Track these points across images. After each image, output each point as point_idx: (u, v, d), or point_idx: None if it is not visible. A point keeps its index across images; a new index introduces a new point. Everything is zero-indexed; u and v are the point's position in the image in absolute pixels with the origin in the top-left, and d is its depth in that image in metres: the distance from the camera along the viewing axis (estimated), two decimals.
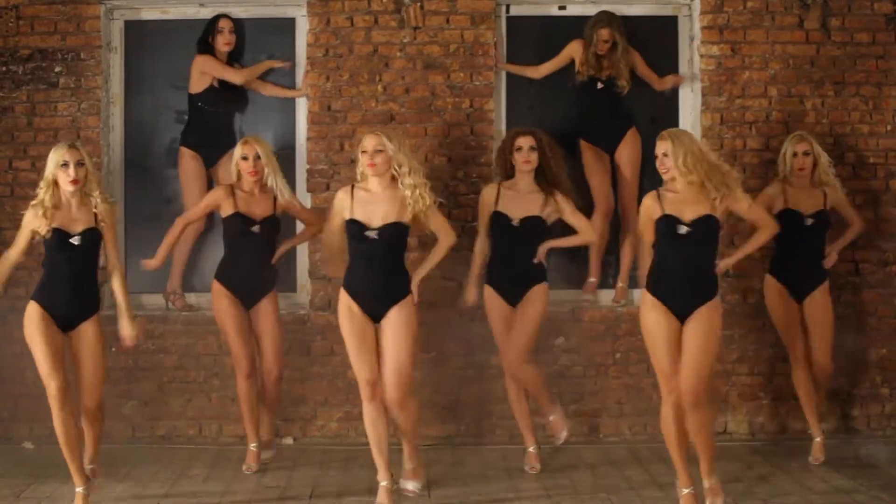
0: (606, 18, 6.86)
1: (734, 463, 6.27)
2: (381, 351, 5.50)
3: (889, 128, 7.02)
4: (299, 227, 6.61)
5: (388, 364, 5.47)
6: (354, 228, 5.49)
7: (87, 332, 5.45)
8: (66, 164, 5.32)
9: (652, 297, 5.30)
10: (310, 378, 6.89)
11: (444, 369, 6.87)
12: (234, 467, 6.23)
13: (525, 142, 6.18)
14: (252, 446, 6.23)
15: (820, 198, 6.42)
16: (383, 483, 5.48)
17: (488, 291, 6.24)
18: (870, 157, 7.03)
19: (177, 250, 6.84)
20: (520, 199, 6.18)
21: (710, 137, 6.90)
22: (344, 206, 5.56)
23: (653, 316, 5.28)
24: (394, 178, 5.55)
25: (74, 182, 5.34)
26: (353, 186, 5.61)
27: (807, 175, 6.44)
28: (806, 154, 6.41)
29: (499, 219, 6.17)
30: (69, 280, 5.39)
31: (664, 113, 7.08)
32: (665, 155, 5.32)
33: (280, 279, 6.42)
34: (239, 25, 7.02)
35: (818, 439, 6.37)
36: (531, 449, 6.28)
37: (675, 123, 7.09)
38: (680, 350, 5.24)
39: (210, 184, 6.95)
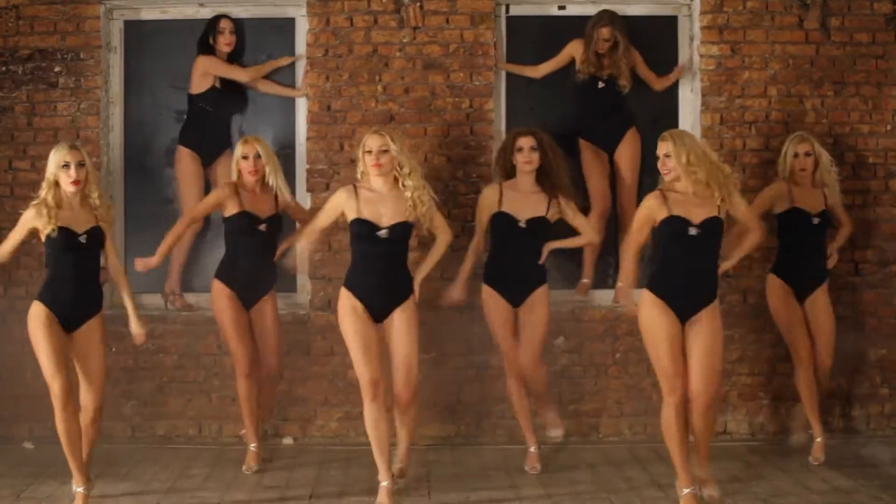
0: (608, 17, 6.86)
1: (734, 463, 6.27)
2: (391, 351, 5.56)
3: (889, 127, 7.02)
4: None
5: (400, 364, 5.55)
6: (363, 228, 5.52)
7: (91, 331, 5.45)
8: (67, 165, 5.34)
9: (654, 295, 5.29)
10: (310, 378, 6.89)
11: (444, 369, 6.87)
12: (234, 467, 6.23)
13: (526, 142, 6.16)
14: (252, 446, 6.24)
15: (821, 198, 6.43)
16: (384, 483, 5.47)
17: (489, 292, 6.22)
18: (869, 156, 7.03)
19: (175, 250, 6.84)
20: (524, 200, 6.16)
21: (709, 137, 6.90)
22: (349, 206, 5.58)
23: (654, 314, 5.27)
24: (396, 178, 5.59)
25: (76, 183, 5.36)
26: (355, 187, 5.63)
27: (808, 175, 6.44)
28: (808, 154, 6.42)
29: (504, 219, 6.15)
30: (74, 279, 5.39)
31: (664, 113, 7.09)
32: (667, 156, 5.33)
33: (279, 278, 6.40)
34: (239, 26, 7.02)
35: (819, 440, 6.35)
36: (532, 449, 6.28)
37: (675, 124, 7.10)
38: (682, 350, 5.26)
39: (207, 184, 6.96)
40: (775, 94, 6.98)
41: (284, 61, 7.04)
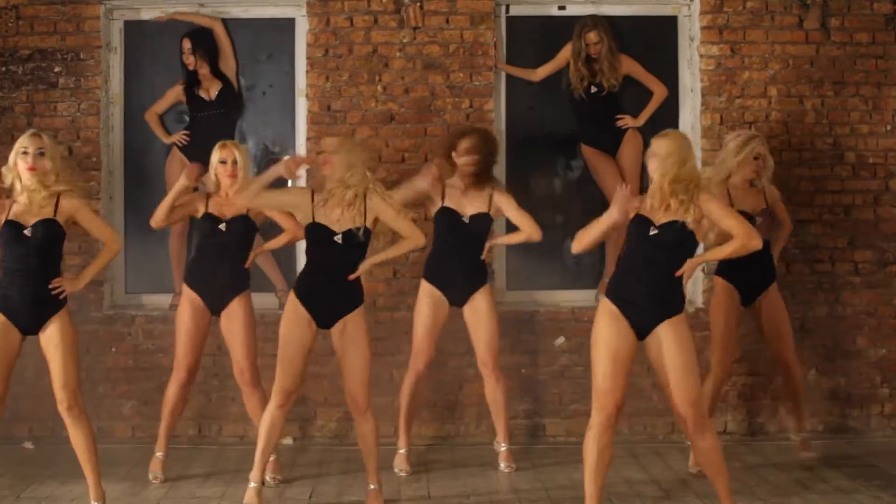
0: (591, 21, 6.91)
1: (734, 463, 6.25)
2: (341, 359, 5.39)
3: (888, 128, 7.02)
4: None
5: (353, 373, 5.37)
6: (320, 233, 5.30)
7: (53, 331, 5.16)
8: (25, 153, 5.11)
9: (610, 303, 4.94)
10: (309, 378, 6.85)
11: (443, 369, 6.86)
12: (233, 467, 6.22)
13: (466, 143, 6.09)
14: (158, 454, 6.08)
15: (760, 197, 6.17)
16: (254, 485, 5.47)
17: (428, 288, 6.17)
18: (869, 157, 7.03)
19: (174, 252, 6.87)
20: (465, 197, 6.13)
21: (709, 138, 6.91)
22: (306, 207, 5.33)
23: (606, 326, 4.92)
24: (347, 185, 5.34)
25: (31, 169, 5.09)
26: (311, 190, 5.40)
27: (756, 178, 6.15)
28: (761, 157, 6.09)
29: (448, 214, 6.11)
30: (28, 278, 5.11)
31: (664, 113, 7.08)
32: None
33: (251, 280, 6.14)
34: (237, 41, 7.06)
35: None
36: (403, 451, 6.21)
37: (675, 124, 7.10)
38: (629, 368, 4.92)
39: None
40: (775, 94, 6.97)
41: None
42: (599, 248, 7.12)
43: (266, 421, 5.41)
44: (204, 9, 7.08)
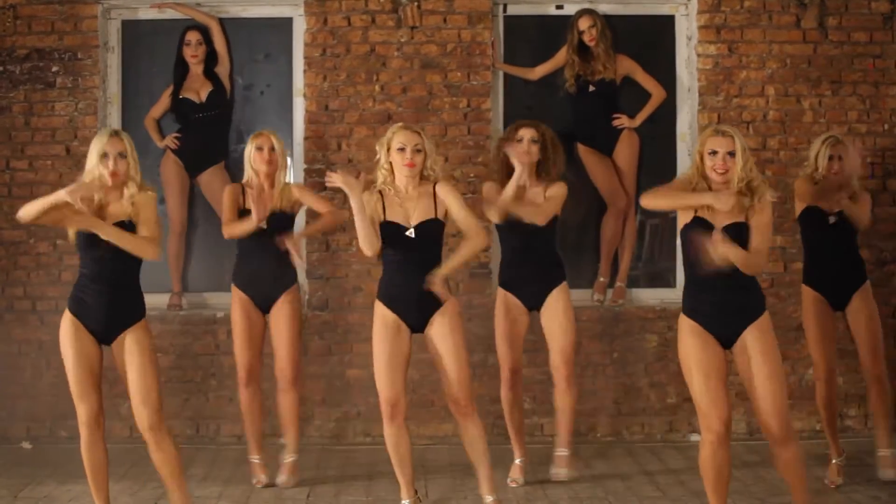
0: (582, 10, 6.91)
1: (733, 462, 6.25)
2: (438, 360, 5.24)
3: (886, 127, 7.03)
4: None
5: (451, 372, 5.21)
6: (392, 230, 5.10)
7: (130, 342, 4.94)
8: (105, 156, 4.81)
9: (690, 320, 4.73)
10: (307, 378, 6.87)
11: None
12: (231, 467, 6.23)
13: (526, 133, 5.84)
14: (254, 458, 6.00)
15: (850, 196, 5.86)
16: (405, 502, 5.26)
17: (502, 294, 5.94)
18: (867, 156, 7.02)
19: (172, 252, 6.88)
20: (524, 199, 5.83)
21: None
22: (376, 209, 5.09)
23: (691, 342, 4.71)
24: (423, 177, 5.18)
25: (114, 175, 4.83)
26: (379, 191, 5.16)
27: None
28: (840, 158, 5.83)
29: (510, 222, 5.81)
30: (103, 284, 4.85)
31: (661, 113, 7.08)
32: (731, 154, 4.62)
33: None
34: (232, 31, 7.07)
35: (835, 461, 6.00)
36: (518, 461, 6.07)
37: (673, 123, 7.11)
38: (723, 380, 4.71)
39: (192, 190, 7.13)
40: (773, 93, 6.98)
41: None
42: (594, 248, 7.14)
43: (387, 441, 5.18)
44: (201, 9, 7.08)
